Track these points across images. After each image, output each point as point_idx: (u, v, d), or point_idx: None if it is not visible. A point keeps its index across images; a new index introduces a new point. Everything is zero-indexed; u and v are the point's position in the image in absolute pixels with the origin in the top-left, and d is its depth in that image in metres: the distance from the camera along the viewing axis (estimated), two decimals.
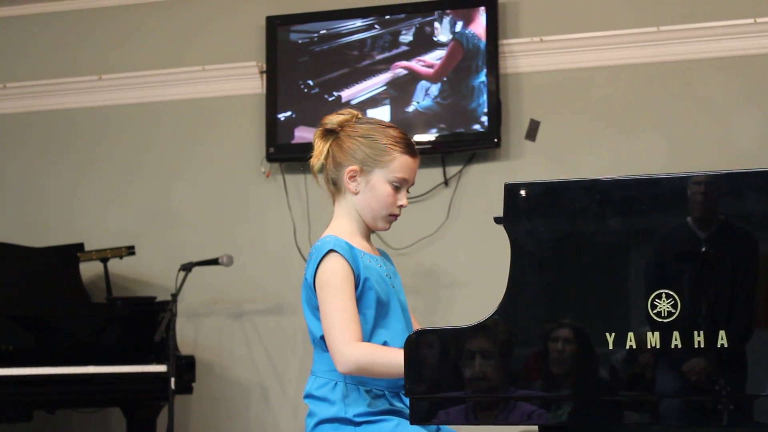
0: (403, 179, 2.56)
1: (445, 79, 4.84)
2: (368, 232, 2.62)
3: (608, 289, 1.98)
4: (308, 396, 2.53)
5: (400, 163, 2.55)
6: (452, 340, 2.04)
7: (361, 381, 2.46)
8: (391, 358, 2.33)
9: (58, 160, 5.36)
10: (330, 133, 2.60)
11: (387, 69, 4.92)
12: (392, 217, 2.60)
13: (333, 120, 2.60)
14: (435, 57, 4.86)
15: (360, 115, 2.63)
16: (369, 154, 2.54)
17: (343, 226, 2.59)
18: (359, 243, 2.55)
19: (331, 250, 2.47)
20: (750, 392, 1.91)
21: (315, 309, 2.50)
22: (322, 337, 2.48)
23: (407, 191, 2.59)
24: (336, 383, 2.48)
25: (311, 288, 2.49)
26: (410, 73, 4.88)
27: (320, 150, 2.60)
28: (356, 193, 2.57)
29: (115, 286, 4.91)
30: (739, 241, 1.95)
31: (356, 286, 2.47)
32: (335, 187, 2.61)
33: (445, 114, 4.84)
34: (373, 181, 2.55)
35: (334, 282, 2.44)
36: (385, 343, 2.47)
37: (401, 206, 2.58)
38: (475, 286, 4.78)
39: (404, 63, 4.90)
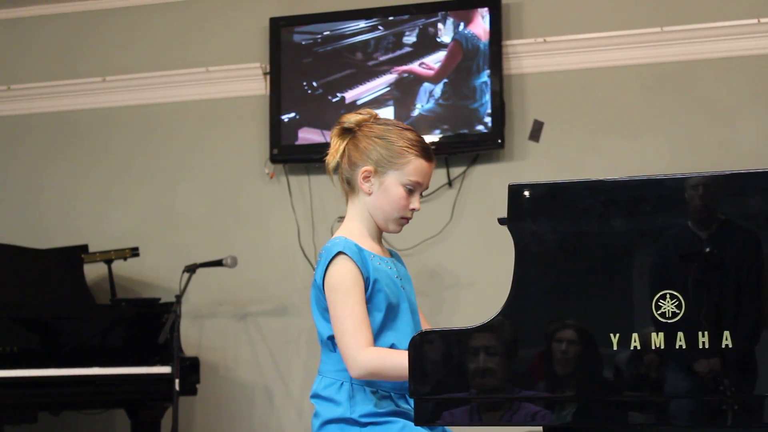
0: (417, 183, 2.55)
1: (446, 80, 4.84)
2: (379, 233, 2.62)
3: (612, 289, 1.98)
4: (315, 396, 2.53)
5: (415, 166, 2.54)
6: (456, 340, 2.05)
7: (367, 382, 2.46)
8: (403, 361, 2.33)
9: (62, 162, 5.36)
10: (347, 132, 2.59)
11: (390, 70, 4.92)
12: (404, 220, 2.59)
13: (351, 119, 2.59)
14: (438, 58, 4.86)
15: (378, 116, 2.62)
16: (384, 156, 2.53)
17: (354, 227, 2.58)
18: (369, 245, 2.55)
19: (340, 253, 2.46)
20: (758, 393, 1.90)
21: (324, 310, 2.50)
22: (330, 338, 2.48)
23: (420, 195, 2.59)
24: (342, 383, 2.48)
25: (320, 289, 2.49)
26: (412, 76, 4.88)
27: (336, 148, 2.59)
28: (369, 194, 2.56)
29: (119, 287, 4.92)
30: (744, 242, 1.95)
31: (366, 288, 2.46)
32: (349, 187, 2.60)
33: (449, 115, 4.84)
34: (387, 183, 2.54)
35: (344, 286, 2.44)
36: (392, 345, 2.47)
37: (413, 210, 2.57)
38: (479, 286, 4.78)
39: (404, 67, 4.90)
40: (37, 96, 5.41)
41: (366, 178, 2.55)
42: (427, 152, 2.57)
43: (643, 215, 1.99)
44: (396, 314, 2.51)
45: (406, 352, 2.32)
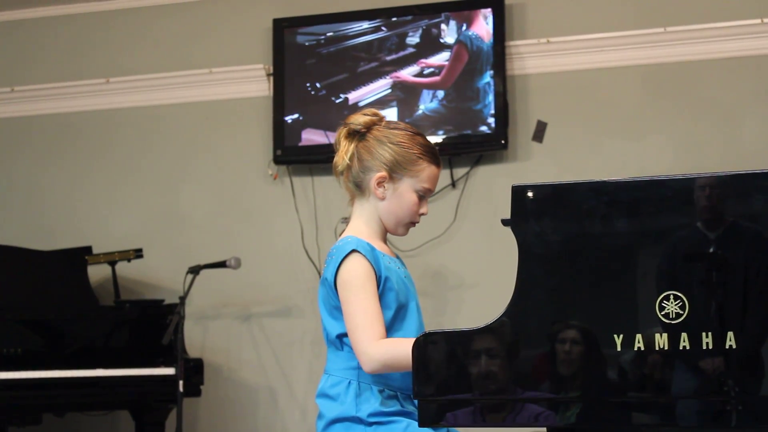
0: (429, 189, 2.58)
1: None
2: (385, 234, 2.63)
3: (616, 290, 1.98)
4: (321, 395, 2.53)
5: (428, 173, 2.56)
6: (460, 342, 2.05)
7: (374, 381, 2.47)
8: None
9: (65, 163, 5.37)
10: (356, 134, 2.59)
11: (394, 71, 4.91)
12: (412, 225, 2.61)
13: (359, 120, 2.59)
14: (441, 59, 4.86)
15: (384, 118, 2.62)
16: (400, 162, 2.54)
17: (362, 227, 2.58)
18: (378, 245, 2.56)
19: (353, 251, 2.47)
20: (763, 394, 1.90)
21: (333, 308, 2.51)
22: (338, 336, 2.49)
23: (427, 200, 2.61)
24: (350, 382, 2.48)
25: (331, 288, 2.49)
26: (417, 86, 4.88)
27: (345, 150, 2.58)
28: (383, 199, 2.56)
29: (123, 289, 4.92)
30: (748, 243, 1.95)
31: (377, 286, 2.47)
32: (358, 189, 2.60)
33: (452, 116, 4.84)
34: (401, 189, 2.55)
35: (357, 282, 2.45)
36: None
37: (422, 214, 2.59)
38: (483, 287, 4.77)
39: (410, 77, 4.88)
40: (41, 97, 5.42)
41: (380, 184, 2.55)
42: (437, 158, 2.60)
43: (646, 216, 1.99)
44: (405, 313, 2.52)
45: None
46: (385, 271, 2.48)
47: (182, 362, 4.28)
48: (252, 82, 5.17)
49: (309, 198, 5.03)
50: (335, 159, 2.60)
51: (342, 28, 5.01)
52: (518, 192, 2.04)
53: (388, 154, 2.54)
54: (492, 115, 4.77)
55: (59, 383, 4.21)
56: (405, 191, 2.55)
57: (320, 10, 5.07)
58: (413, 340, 2.35)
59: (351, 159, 2.57)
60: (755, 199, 1.95)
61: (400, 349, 2.36)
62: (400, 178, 2.55)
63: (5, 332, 4.30)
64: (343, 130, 2.60)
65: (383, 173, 2.54)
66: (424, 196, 2.57)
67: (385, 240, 2.63)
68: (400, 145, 2.55)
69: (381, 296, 2.47)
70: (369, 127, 2.58)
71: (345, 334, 2.48)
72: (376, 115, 2.61)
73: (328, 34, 5.02)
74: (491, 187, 4.83)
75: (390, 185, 2.55)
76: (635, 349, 1.95)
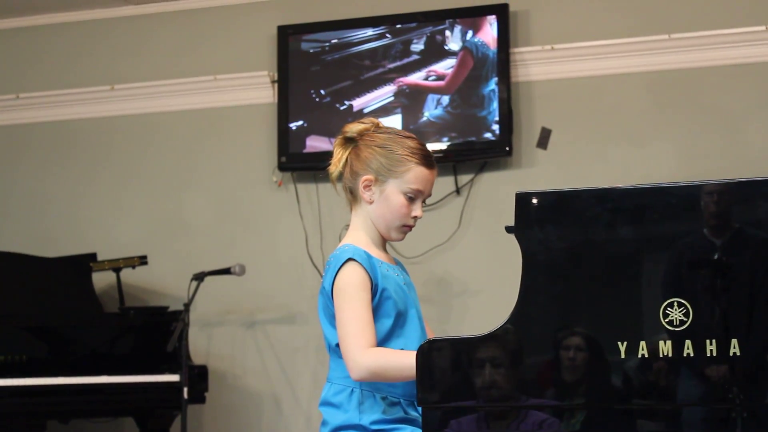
0: (418, 191, 2.55)
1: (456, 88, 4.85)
2: (384, 241, 2.62)
3: (620, 297, 1.98)
4: (324, 403, 2.53)
5: (416, 174, 2.54)
6: (464, 349, 2.05)
7: (377, 388, 2.46)
8: (403, 360, 2.33)
9: (70, 170, 5.38)
10: (349, 142, 2.60)
11: (400, 84, 4.91)
12: (406, 228, 2.59)
13: (353, 128, 2.60)
14: (446, 66, 4.86)
15: (380, 125, 2.63)
16: (384, 164, 2.54)
17: (359, 235, 2.58)
18: (376, 253, 2.55)
19: (349, 259, 2.47)
20: None
21: (332, 317, 2.51)
22: (338, 345, 2.49)
23: (423, 202, 2.59)
24: (352, 390, 2.48)
25: (329, 296, 2.49)
26: (421, 89, 4.89)
27: (339, 158, 2.60)
28: (371, 203, 2.57)
29: (127, 295, 4.92)
30: (752, 249, 1.95)
31: (374, 295, 2.47)
32: (352, 196, 2.61)
33: (457, 122, 4.84)
34: (388, 192, 2.55)
35: (351, 290, 2.44)
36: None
37: (415, 217, 2.58)
38: (487, 294, 4.77)
39: (414, 81, 4.89)
40: (46, 105, 5.43)
41: (367, 187, 2.55)
42: (427, 160, 2.56)
43: (650, 223, 1.99)
44: (404, 321, 2.52)
45: (408, 352, 2.34)
46: (381, 279, 2.48)
47: (186, 369, 4.28)
48: (256, 89, 5.18)
49: (313, 205, 5.03)
50: (329, 168, 2.62)
51: (346, 35, 5.02)
52: (522, 199, 2.04)
53: (374, 157, 2.54)
54: (496, 122, 4.77)
55: (64, 390, 4.21)
56: (391, 193, 2.54)
57: (325, 18, 5.08)
58: (402, 352, 2.39)
59: (343, 166, 2.59)
60: (760, 205, 1.95)
61: (389, 359, 2.38)
62: (385, 180, 2.54)
63: (10, 339, 4.31)
64: (338, 139, 2.62)
65: (369, 176, 2.55)
66: (414, 198, 2.55)
67: (384, 247, 2.63)
68: (385, 148, 2.55)
69: (379, 305, 2.47)
70: (362, 134, 2.59)
71: None
72: (372, 122, 2.62)
73: (333, 41, 5.03)
74: (495, 194, 4.83)
75: (377, 188, 2.55)
76: (639, 356, 1.95)
